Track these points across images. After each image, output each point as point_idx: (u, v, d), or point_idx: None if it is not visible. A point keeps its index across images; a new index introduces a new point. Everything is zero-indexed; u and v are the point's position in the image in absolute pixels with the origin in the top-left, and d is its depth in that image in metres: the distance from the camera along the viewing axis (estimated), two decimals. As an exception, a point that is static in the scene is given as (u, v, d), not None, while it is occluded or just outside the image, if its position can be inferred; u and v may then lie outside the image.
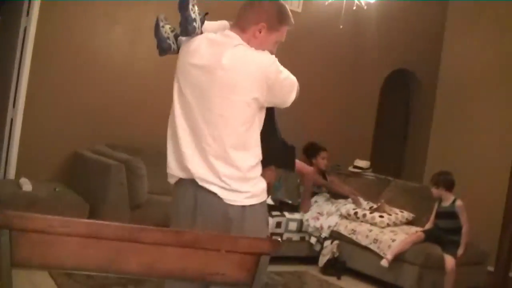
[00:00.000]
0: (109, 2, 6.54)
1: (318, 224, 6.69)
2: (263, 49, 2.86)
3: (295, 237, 6.69)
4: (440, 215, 6.12)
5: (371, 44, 8.47)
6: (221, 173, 2.68)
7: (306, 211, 6.85)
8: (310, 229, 6.72)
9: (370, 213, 6.58)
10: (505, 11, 8.11)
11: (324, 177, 7.34)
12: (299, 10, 7.82)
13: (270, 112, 2.98)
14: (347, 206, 6.81)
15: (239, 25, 2.86)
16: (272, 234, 6.42)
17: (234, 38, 2.81)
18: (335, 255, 6.48)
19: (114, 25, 6.58)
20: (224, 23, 3.02)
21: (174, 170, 2.82)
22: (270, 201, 6.70)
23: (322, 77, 8.16)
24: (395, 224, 6.59)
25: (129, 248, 1.60)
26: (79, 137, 6.41)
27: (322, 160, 7.31)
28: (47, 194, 5.53)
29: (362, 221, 6.57)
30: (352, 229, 6.50)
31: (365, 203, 6.93)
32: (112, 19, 6.56)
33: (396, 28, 8.66)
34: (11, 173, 6.10)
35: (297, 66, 7.75)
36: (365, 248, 6.31)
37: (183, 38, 2.90)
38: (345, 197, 7.13)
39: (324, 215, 6.77)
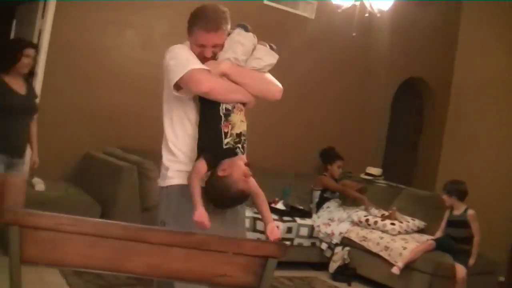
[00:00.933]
0: (121, 6, 6.58)
1: (329, 230, 6.68)
2: (196, 53, 2.95)
3: (306, 242, 6.68)
4: (451, 224, 6.09)
5: (384, 51, 8.46)
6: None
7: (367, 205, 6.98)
8: (321, 235, 6.71)
9: (382, 220, 6.56)
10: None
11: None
12: (312, 17, 7.83)
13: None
14: (359, 213, 6.80)
15: None
16: (283, 239, 6.42)
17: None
18: (346, 262, 6.47)
19: (126, 29, 6.61)
20: None
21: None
22: (281, 206, 6.71)
23: (335, 84, 8.16)
24: (406, 232, 6.57)
25: (136, 248, 1.61)
26: (91, 138, 6.45)
27: (337, 169, 7.34)
28: (59, 195, 5.56)
29: (373, 228, 6.55)
30: (363, 236, 6.49)
31: (376, 211, 6.92)
32: (124, 23, 6.60)
33: (409, 36, 8.64)
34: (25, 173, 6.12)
35: (309, 73, 7.86)
36: (376, 255, 6.29)
37: None
38: (357, 204, 7.14)
39: (336, 221, 6.77)
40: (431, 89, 9.14)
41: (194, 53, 2.94)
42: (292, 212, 6.81)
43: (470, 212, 5.99)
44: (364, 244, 6.44)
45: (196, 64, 2.87)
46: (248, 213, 6.47)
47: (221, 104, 2.87)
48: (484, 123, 8.44)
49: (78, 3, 6.34)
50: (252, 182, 2.95)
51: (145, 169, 5.82)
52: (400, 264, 5.91)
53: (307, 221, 6.77)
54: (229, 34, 2.98)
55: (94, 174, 6.15)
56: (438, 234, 6.21)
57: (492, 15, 8.46)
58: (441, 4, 8.73)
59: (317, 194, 7.30)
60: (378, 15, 6.68)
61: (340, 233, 6.65)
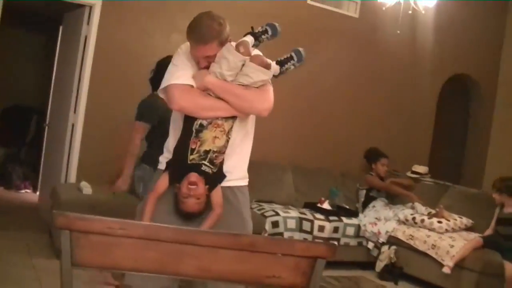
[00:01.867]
0: (167, 10, 6.62)
1: (375, 230, 6.64)
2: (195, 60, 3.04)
3: (353, 242, 6.65)
4: (501, 221, 6.00)
5: (429, 49, 8.36)
6: None
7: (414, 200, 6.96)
8: (367, 234, 6.67)
9: (429, 218, 6.49)
10: None
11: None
12: (356, 15, 7.79)
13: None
14: (405, 212, 6.74)
15: None
16: (329, 239, 6.41)
17: None
18: (393, 261, 6.42)
19: (172, 33, 6.64)
20: None
21: None
22: (327, 206, 6.69)
23: (380, 82, 8.10)
24: (454, 230, 6.49)
25: (186, 251, 1.62)
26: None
27: (382, 167, 7.30)
28: (107, 198, 5.62)
29: (420, 227, 6.48)
30: (410, 235, 6.43)
31: (423, 209, 6.84)
32: (171, 27, 6.63)
33: (454, 32, 8.53)
34: (72, 177, 6.23)
35: (354, 72, 7.82)
36: (423, 253, 6.23)
37: None
38: (403, 202, 7.09)
39: (382, 220, 6.72)
40: (478, 86, 9.01)
41: (200, 67, 2.98)
42: (338, 211, 6.78)
43: None
44: (411, 242, 6.38)
45: (177, 78, 2.94)
46: (295, 213, 6.48)
47: (197, 119, 2.88)
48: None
49: (124, 9, 6.40)
50: (215, 196, 2.92)
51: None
52: (451, 263, 5.84)
53: (354, 221, 6.74)
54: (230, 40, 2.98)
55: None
56: (488, 232, 6.13)
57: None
58: (486, 1, 8.61)
59: (363, 193, 7.26)
60: (423, 12, 6.62)
61: (387, 232, 6.60)
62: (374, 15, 7.74)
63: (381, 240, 6.59)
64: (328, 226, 6.46)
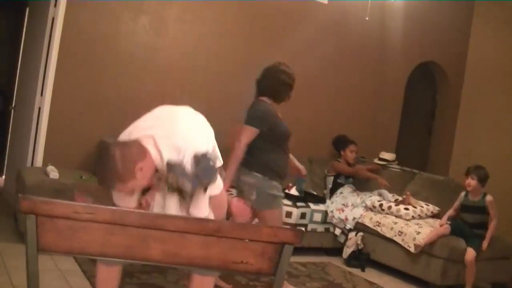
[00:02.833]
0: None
1: (343, 216, 6.68)
2: None
3: (320, 228, 6.68)
4: (466, 208, 6.07)
5: (398, 36, 8.39)
6: None
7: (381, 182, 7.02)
8: (334, 221, 6.71)
9: (396, 205, 6.55)
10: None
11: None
12: (325, 1, 7.78)
13: None
14: (372, 198, 6.78)
15: None
16: (297, 224, 6.42)
17: None
18: (360, 247, 6.47)
19: (139, 16, 6.59)
20: None
21: None
22: (295, 192, 6.70)
23: (348, 69, 8.12)
24: (420, 217, 6.55)
25: (153, 236, 1.60)
26: (105, 126, 6.44)
27: (350, 154, 7.34)
28: (74, 182, 5.58)
29: (387, 213, 6.54)
30: (377, 221, 6.48)
31: (390, 195, 6.91)
32: (138, 10, 6.58)
33: (423, 20, 8.58)
34: (39, 161, 6.16)
35: (322, 58, 7.83)
36: (390, 240, 6.28)
37: None
38: (370, 189, 7.14)
39: (349, 207, 6.76)
40: (445, 74, 9.08)
41: None
42: (306, 197, 6.80)
43: (489, 198, 5.97)
44: (378, 229, 6.43)
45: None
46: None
47: None
48: (498, 107, 8.40)
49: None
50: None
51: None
52: (423, 242, 5.90)
53: (321, 207, 6.76)
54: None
55: (108, 162, 6.15)
56: (450, 213, 6.20)
57: (505, 3, 8.39)
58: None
59: (330, 179, 7.29)
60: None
61: (354, 218, 6.64)
62: (343, 2, 7.75)
63: (348, 226, 6.63)
64: (296, 212, 6.47)
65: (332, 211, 6.74)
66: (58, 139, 6.24)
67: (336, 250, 6.70)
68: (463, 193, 6.15)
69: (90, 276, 4.60)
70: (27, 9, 7.38)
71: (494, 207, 5.94)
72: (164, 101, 6.83)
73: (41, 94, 6.23)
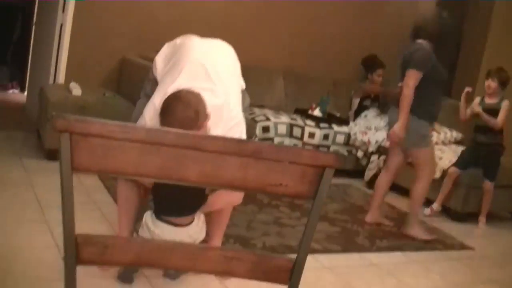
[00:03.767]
0: None
1: (365, 139, 6.63)
2: None
3: (342, 150, 6.66)
4: (480, 129, 5.94)
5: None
6: None
7: None
8: (357, 143, 6.67)
9: (419, 129, 6.48)
10: None
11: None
12: None
13: None
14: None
15: None
16: (319, 146, 6.41)
17: None
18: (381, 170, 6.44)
19: None
20: None
21: None
22: (318, 113, 6.66)
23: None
24: (443, 143, 6.51)
25: (190, 156, 1.56)
26: (127, 43, 6.39)
27: (377, 78, 7.28)
28: (97, 99, 5.56)
29: (410, 138, 6.48)
30: (400, 145, 6.42)
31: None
32: None
33: None
34: (61, 78, 6.13)
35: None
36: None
37: None
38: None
39: (372, 130, 6.70)
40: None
41: None
42: (329, 119, 6.75)
43: (506, 102, 5.84)
44: (401, 153, 6.39)
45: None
46: (285, 118, 6.45)
47: None
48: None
49: None
50: None
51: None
52: (436, 205, 5.90)
53: (344, 129, 6.72)
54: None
55: (129, 79, 6.12)
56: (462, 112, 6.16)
57: None
58: None
59: (356, 102, 7.23)
60: None
61: (377, 141, 6.59)
62: None
63: (371, 149, 6.59)
64: (319, 133, 6.44)
65: (355, 134, 6.69)
66: (80, 57, 6.20)
67: (358, 173, 6.69)
68: (477, 98, 6.03)
69: (114, 193, 4.63)
70: None
71: (506, 113, 5.80)
72: (187, 18, 6.72)
73: (63, 11, 6.14)
